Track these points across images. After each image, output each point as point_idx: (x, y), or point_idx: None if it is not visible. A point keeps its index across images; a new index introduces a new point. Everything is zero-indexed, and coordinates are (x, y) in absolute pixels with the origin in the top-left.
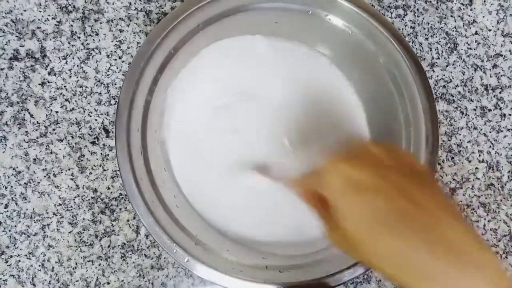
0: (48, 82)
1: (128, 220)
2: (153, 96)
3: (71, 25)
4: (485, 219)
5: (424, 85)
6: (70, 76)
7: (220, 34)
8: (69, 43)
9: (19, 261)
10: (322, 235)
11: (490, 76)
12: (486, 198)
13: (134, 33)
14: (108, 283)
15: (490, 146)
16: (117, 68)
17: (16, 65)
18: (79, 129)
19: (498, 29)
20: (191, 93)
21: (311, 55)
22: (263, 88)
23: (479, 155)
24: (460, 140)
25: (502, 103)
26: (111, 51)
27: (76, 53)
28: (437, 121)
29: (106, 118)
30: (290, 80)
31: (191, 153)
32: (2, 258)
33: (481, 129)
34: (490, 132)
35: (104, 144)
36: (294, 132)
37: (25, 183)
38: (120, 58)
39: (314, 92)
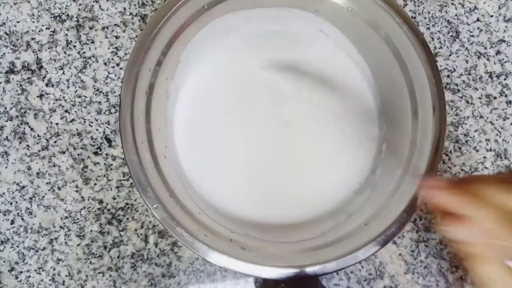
0: (46, 93)
1: (136, 230)
2: (156, 83)
3: (66, 34)
4: None
5: (425, 50)
6: (68, 87)
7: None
8: (65, 52)
9: (29, 276)
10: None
11: (494, 63)
12: None
13: (130, 38)
14: None
15: (497, 134)
16: (115, 75)
17: (12, 78)
18: (81, 140)
19: (500, 14)
20: (195, 74)
21: (314, 36)
22: (265, 71)
23: (487, 144)
24: (466, 129)
25: (507, 89)
26: (108, 59)
27: (73, 62)
28: (441, 83)
29: (107, 127)
30: (292, 62)
31: (197, 137)
32: (12, 274)
33: (487, 117)
34: (496, 120)
35: (107, 154)
36: (300, 114)
37: (29, 197)
38: (117, 65)
39: (318, 73)
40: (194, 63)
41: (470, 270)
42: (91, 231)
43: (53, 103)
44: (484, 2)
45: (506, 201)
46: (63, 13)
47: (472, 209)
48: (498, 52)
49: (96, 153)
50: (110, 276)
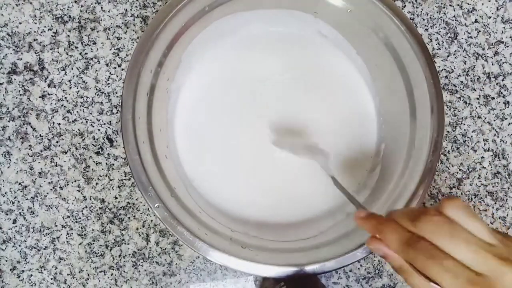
0: (49, 94)
1: (137, 229)
2: (157, 83)
3: (68, 35)
4: (493, 207)
5: (423, 51)
6: (70, 87)
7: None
8: (67, 53)
9: (31, 275)
10: (328, 215)
11: (492, 64)
12: (493, 186)
13: (131, 40)
14: None
15: (495, 135)
16: (117, 76)
17: (15, 79)
18: (83, 140)
19: (498, 16)
20: (196, 75)
21: (313, 37)
22: (265, 72)
23: (484, 144)
24: (464, 130)
25: (505, 90)
26: (110, 60)
27: (75, 63)
28: (439, 83)
29: (109, 127)
30: (292, 63)
31: (198, 137)
32: (14, 273)
33: (485, 118)
34: (494, 120)
35: (108, 154)
36: (294, 118)
37: (32, 197)
38: (119, 66)
39: (317, 75)
40: (195, 64)
41: (403, 280)
42: (93, 230)
43: (55, 104)
44: (483, 4)
45: (410, 227)
46: (65, 15)
47: (381, 232)
48: (496, 53)
49: (98, 153)
50: (112, 274)
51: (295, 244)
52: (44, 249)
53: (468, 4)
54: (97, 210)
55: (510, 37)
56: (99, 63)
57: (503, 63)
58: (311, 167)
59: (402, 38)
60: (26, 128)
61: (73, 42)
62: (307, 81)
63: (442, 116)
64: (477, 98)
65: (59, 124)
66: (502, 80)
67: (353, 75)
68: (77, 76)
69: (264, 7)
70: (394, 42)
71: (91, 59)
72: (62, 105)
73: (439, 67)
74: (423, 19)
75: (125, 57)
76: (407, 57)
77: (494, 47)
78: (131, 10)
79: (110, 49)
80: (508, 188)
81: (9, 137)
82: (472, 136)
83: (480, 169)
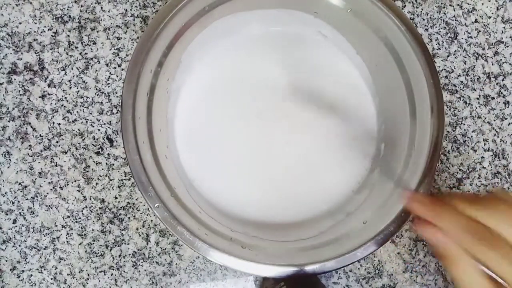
0: (49, 94)
1: (137, 229)
2: (157, 83)
3: (68, 35)
4: None
5: (423, 51)
6: (70, 87)
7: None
8: (67, 53)
9: (31, 275)
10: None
11: (492, 64)
12: (493, 186)
13: (131, 40)
14: None
15: (495, 134)
16: (117, 76)
17: (15, 79)
18: (83, 140)
19: (498, 15)
20: (196, 75)
21: (313, 37)
22: (265, 72)
23: (484, 144)
24: (464, 130)
25: (505, 90)
26: (110, 60)
27: (75, 63)
28: (439, 83)
29: (109, 127)
30: (292, 63)
31: (198, 137)
32: (14, 273)
33: (485, 118)
34: (494, 120)
35: (108, 154)
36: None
37: (31, 197)
38: (119, 66)
39: (317, 75)
40: (195, 64)
41: (446, 269)
42: (93, 230)
43: (55, 104)
44: (483, 3)
45: (472, 214)
46: (65, 14)
47: (438, 217)
48: (496, 53)
49: (98, 153)
50: (112, 274)
51: (295, 244)
52: (44, 249)
53: (468, 4)
54: (97, 210)
55: (510, 37)
56: (99, 63)
57: (503, 63)
58: (311, 167)
59: (402, 38)
60: (26, 128)
61: (73, 42)
62: (306, 81)
63: (442, 116)
64: (477, 98)
65: (59, 124)
66: (502, 80)
67: (353, 75)
68: (77, 76)
69: (264, 7)
70: (394, 42)
71: (91, 59)
72: (62, 105)
73: (439, 67)
74: (423, 19)
75: (125, 57)
76: (407, 57)
77: (494, 47)
78: (131, 10)
79: (110, 49)
80: (508, 188)
81: (9, 137)
82: (472, 136)
83: (480, 169)
